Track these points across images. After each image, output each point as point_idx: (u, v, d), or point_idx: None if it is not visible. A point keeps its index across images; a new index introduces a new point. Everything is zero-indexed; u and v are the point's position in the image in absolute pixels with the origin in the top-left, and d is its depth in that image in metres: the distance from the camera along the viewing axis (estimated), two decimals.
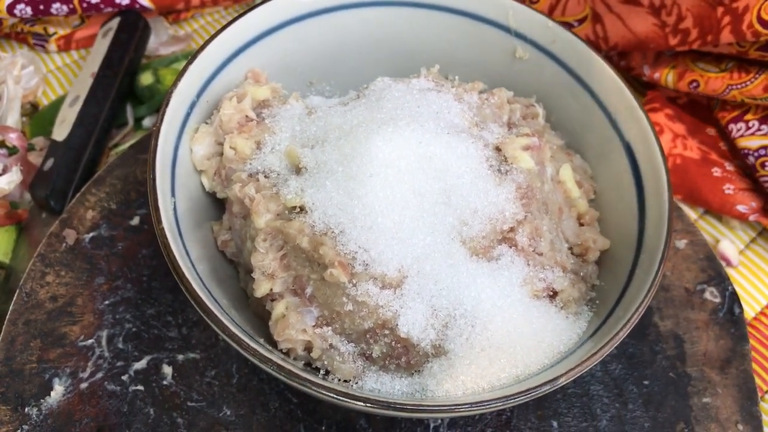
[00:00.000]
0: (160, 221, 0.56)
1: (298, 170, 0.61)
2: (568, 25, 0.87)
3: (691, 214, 0.84)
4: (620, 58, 0.89)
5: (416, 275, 0.56)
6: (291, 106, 0.66)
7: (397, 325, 0.56)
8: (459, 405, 0.52)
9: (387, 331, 0.57)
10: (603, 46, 0.85)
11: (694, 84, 0.83)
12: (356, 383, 0.58)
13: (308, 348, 0.58)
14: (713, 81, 0.82)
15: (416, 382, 0.58)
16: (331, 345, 0.58)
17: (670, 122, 0.87)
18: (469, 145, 0.59)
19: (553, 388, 0.52)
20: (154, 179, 0.57)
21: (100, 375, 0.65)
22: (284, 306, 0.58)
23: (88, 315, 0.68)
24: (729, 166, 0.84)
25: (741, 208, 0.81)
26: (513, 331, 0.57)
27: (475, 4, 0.71)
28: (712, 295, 0.74)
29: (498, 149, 0.61)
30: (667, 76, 0.85)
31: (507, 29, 0.72)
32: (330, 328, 0.58)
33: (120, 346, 0.67)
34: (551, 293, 0.61)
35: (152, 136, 0.60)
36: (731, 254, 0.81)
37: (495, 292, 0.57)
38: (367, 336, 0.57)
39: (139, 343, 0.67)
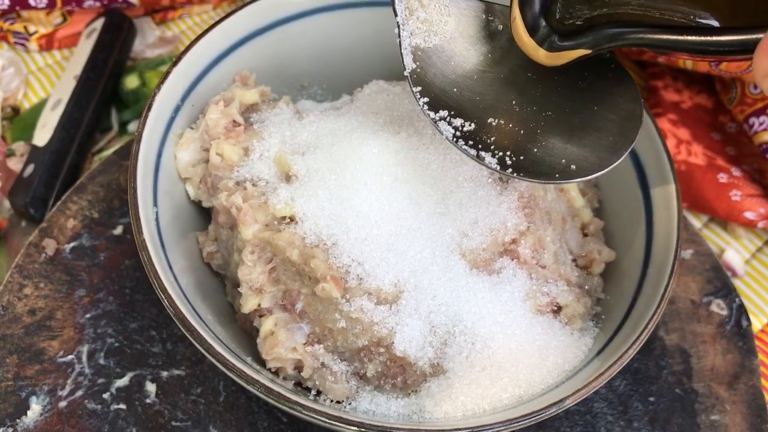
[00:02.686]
0: (141, 232, 0.54)
1: (288, 178, 0.58)
2: None
3: (695, 222, 0.82)
4: None
5: (413, 290, 0.54)
6: (281, 111, 0.64)
7: (392, 342, 0.54)
8: (459, 429, 0.49)
9: (382, 349, 0.55)
10: None
11: (716, 61, 0.80)
12: (349, 404, 0.56)
13: (299, 367, 0.56)
14: None
15: (413, 402, 0.55)
16: (322, 364, 0.56)
17: (673, 128, 0.85)
18: None
19: (560, 410, 0.50)
20: (135, 187, 0.55)
21: (80, 393, 0.62)
22: (273, 322, 0.55)
23: (68, 329, 0.65)
24: (736, 172, 0.81)
25: (749, 215, 0.78)
26: (515, 349, 0.55)
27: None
28: (718, 307, 0.72)
29: None
30: None
31: None
32: (322, 345, 0.56)
33: (101, 362, 0.64)
34: (555, 308, 0.59)
35: (134, 141, 0.57)
36: (737, 264, 0.79)
37: (496, 308, 0.55)
38: (361, 354, 0.55)
39: (121, 359, 0.64)
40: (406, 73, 0.55)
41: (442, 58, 0.56)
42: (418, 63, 0.55)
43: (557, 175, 0.52)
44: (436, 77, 0.55)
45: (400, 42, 0.55)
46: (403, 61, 0.55)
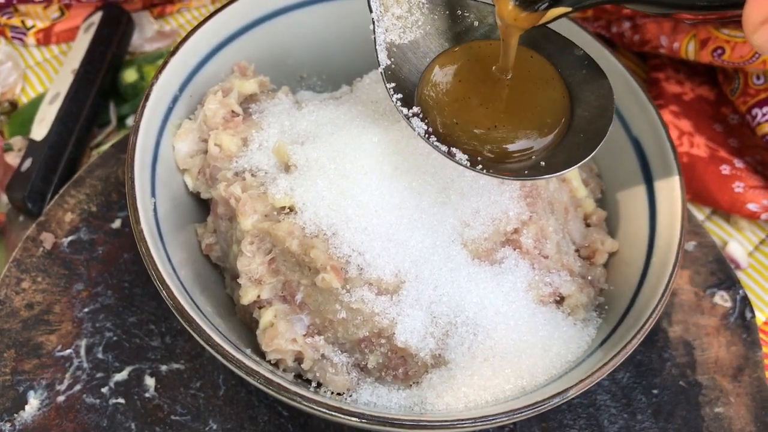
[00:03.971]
0: (138, 223, 0.53)
1: (287, 168, 0.58)
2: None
3: (698, 215, 0.81)
4: (634, 32, 0.86)
5: (414, 280, 0.53)
6: (280, 101, 0.63)
7: (394, 333, 0.53)
8: (461, 420, 0.49)
9: (383, 341, 0.54)
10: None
11: (719, 51, 0.79)
12: (350, 396, 0.55)
13: (299, 359, 0.55)
14: (740, 47, 0.78)
15: (415, 394, 0.55)
16: (323, 355, 0.55)
17: (675, 119, 0.84)
18: None
19: (563, 401, 0.49)
20: (132, 178, 0.55)
21: (78, 387, 0.62)
22: (273, 314, 0.55)
23: (66, 323, 0.65)
24: (738, 163, 0.81)
25: (752, 206, 0.78)
26: (518, 340, 0.54)
27: None
28: (722, 299, 0.71)
29: None
30: (687, 45, 0.82)
31: None
32: (322, 337, 0.55)
33: (100, 356, 0.63)
34: (558, 298, 0.58)
35: (131, 131, 0.56)
36: (740, 256, 0.78)
37: (498, 298, 0.55)
38: (362, 345, 0.55)
39: (120, 353, 0.64)
40: (380, 70, 0.55)
41: (417, 54, 0.56)
42: (392, 59, 0.55)
43: (526, 172, 0.51)
44: (411, 73, 0.55)
45: (375, 38, 0.55)
46: (377, 57, 0.55)
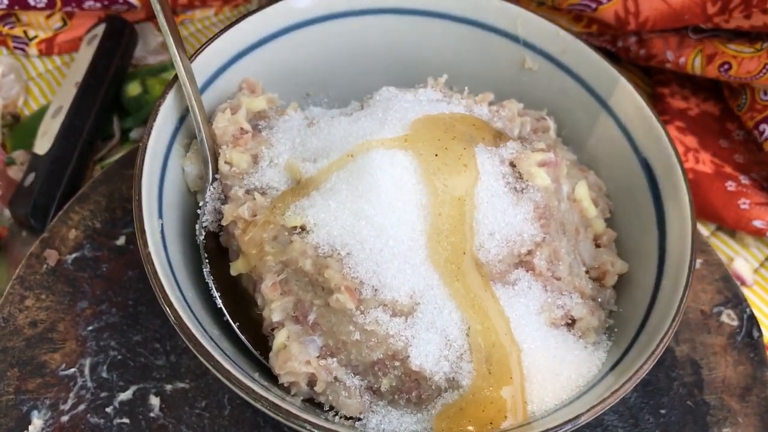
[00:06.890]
0: (146, 245, 0.52)
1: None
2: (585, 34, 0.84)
3: (703, 231, 0.81)
4: (639, 46, 0.86)
5: (429, 302, 0.53)
6: (290, 117, 0.63)
7: (408, 356, 0.52)
8: None
9: (397, 363, 0.53)
10: (632, 23, 0.81)
11: (726, 66, 0.79)
12: (359, 419, 0.54)
13: (311, 381, 0.54)
14: (747, 62, 0.78)
15: (426, 419, 0.54)
16: (336, 378, 0.54)
17: (681, 135, 0.84)
18: (485, 160, 0.56)
19: (575, 428, 0.49)
20: (140, 199, 0.54)
21: (82, 407, 0.61)
22: (285, 335, 0.54)
23: (70, 342, 0.64)
24: (744, 180, 0.81)
25: (757, 223, 0.77)
26: (530, 364, 0.53)
27: (482, 12, 0.68)
28: (729, 318, 0.71)
29: (513, 165, 0.58)
30: (693, 60, 0.82)
31: (516, 38, 0.68)
32: (335, 359, 0.54)
33: (104, 375, 0.63)
34: (569, 321, 0.57)
35: (138, 151, 0.56)
36: (745, 273, 0.78)
37: (511, 321, 0.54)
38: (376, 368, 0.54)
39: (124, 372, 0.63)
40: None
41: None
42: None
43: None
44: None
45: None
46: None
